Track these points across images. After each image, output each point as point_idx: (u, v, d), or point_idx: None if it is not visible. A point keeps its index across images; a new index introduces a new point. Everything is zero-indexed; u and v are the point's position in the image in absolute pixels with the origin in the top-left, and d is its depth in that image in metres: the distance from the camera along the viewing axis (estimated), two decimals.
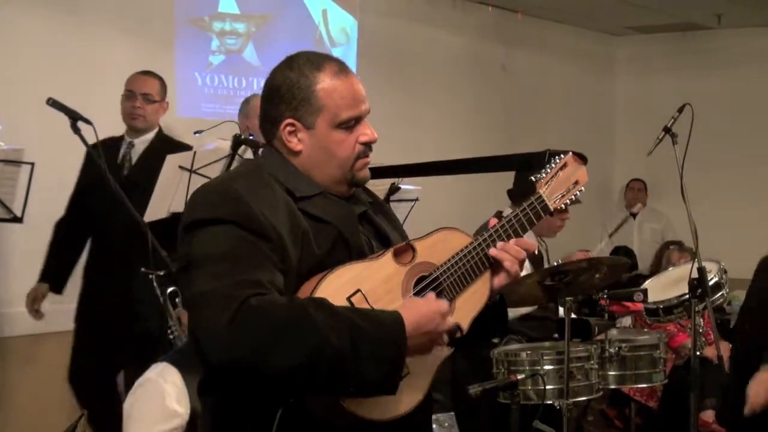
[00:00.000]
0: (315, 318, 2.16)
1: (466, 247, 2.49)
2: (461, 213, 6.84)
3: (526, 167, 2.76)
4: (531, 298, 4.84)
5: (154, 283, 5.07)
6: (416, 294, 2.41)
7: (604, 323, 5.54)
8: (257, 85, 7.28)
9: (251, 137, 5.31)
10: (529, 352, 4.78)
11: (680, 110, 5.35)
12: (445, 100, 8.84)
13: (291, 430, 2.27)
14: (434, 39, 8.83)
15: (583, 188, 2.69)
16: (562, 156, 2.69)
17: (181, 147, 5.58)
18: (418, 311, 2.30)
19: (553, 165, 2.67)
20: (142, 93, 5.62)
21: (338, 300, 2.25)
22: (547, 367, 4.67)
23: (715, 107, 9.29)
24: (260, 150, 5.05)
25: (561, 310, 4.97)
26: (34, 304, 5.53)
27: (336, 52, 7.82)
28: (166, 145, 5.62)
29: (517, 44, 9.65)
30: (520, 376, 4.45)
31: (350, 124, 2.45)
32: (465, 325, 2.45)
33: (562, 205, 2.67)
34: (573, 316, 4.75)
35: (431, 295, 2.39)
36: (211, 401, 2.42)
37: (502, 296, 2.65)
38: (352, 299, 2.29)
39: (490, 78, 9.40)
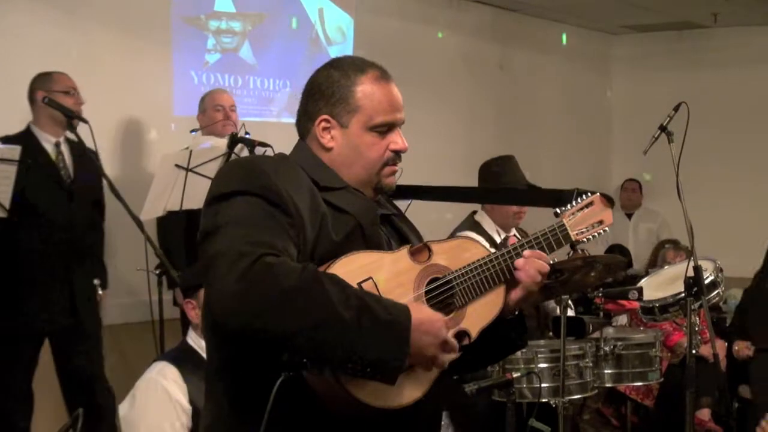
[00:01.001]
0: (326, 287, 2.18)
1: (484, 257, 2.50)
2: (454, 218, 6.85)
3: (552, 203, 2.77)
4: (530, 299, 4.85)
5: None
6: (428, 292, 2.41)
7: (599, 321, 5.56)
8: (253, 84, 7.29)
9: (247, 135, 5.32)
10: (523, 350, 4.78)
11: (676, 109, 5.35)
12: (442, 98, 8.84)
13: (292, 411, 2.28)
14: (431, 38, 8.83)
15: (607, 229, 2.71)
16: (589, 194, 2.70)
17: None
18: (424, 312, 2.31)
19: (580, 200, 2.69)
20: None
21: (350, 282, 2.26)
22: (541, 366, 4.68)
23: (711, 106, 9.29)
24: (256, 149, 5.08)
25: (557, 308, 4.98)
26: None
27: (332, 51, 7.82)
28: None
29: (514, 43, 9.66)
30: (515, 375, 4.46)
31: (383, 130, 2.50)
32: (474, 332, 2.45)
33: (584, 240, 2.67)
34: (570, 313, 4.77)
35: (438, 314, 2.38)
36: (222, 387, 2.43)
37: (521, 311, 2.64)
38: (363, 285, 2.29)
39: (486, 77, 9.40)
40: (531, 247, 2.55)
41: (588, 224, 2.68)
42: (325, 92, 2.49)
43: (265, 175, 2.35)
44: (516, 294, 2.54)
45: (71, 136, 5.39)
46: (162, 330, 5.30)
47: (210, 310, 2.30)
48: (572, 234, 2.65)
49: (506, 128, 9.44)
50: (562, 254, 5.69)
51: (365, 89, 2.48)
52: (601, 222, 2.70)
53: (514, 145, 9.27)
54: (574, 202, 2.68)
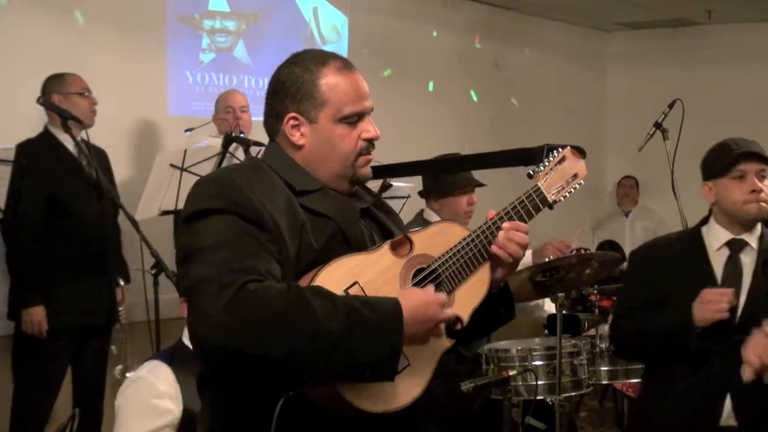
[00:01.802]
0: (312, 303, 2.17)
1: (465, 239, 2.49)
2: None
3: (522, 162, 2.74)
4: (522, 295, 4.85)
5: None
6: (414, 285, 2.40)
7: (594, 318, 5.57)
8: (248, 83, 7.28)
9: (242, 134, 5.33)
10: (519, 348, 4.79)
11: (671, 106, 5.37)
12: (437, 97, 8.84)
13: (292, 422, 2.26)
14: (425, 36, 8.83)
15: (582, 182, 2.68)
16: (560, 150, 2.68)
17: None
18: (416, 299, 2.30)
19: (551, 159, 2.66)
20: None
21: (336, 290, 2.26)
22: (536, 363, 4.68)
23: (706, 103, 9.30)
24: (250, 147, 5.08)
25: (553, 306, 4.98)
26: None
27: (327, 50, 7.81)
28: None
29: (508, 41, 9.66)
30: (511, 372, 4.46)
31: (353, 120, 2.47)
32: (465, 316, 2.45)
33: (561, 198, 2.65)
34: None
35: (430, 287, 2.38)
36: (211, 396, 2.42)
37: (506, 284, 2.64)
38: (350, 291, 2.29)
39: (481, 75, 9.40)
40: (509, 218, 2.53)
41: (563, 181, 2.65)
42: (289, 89, 2.46)
43: (239, 190, 2.31)
44: (501, 271, 2.55)
45: (83, 136, 5.45)
46: (158, 330, 5.30)
47: (196, 340, 2.24)
48: (549, 196, 2.62)
49: (501, 125, 9.45)
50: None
51: (329, 81, 2.45)
52: (575, 176, 2.68)
53: (508, 142, 9.25)
54: (546, 161, 2.65)
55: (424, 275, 2.43)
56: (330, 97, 2.44)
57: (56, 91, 5.47)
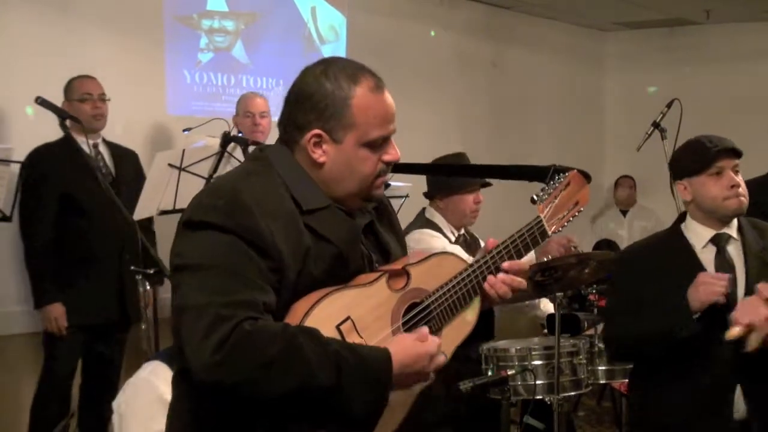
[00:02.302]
0: (305, 352, 2.16)
1: (460, 273, 2.48)
2: None
3: (528, 179, 2.76)
4: (520, 294, 4.85)
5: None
6: (405, 322, 2.40)
7: (593, 318, 5.56)
8: (246, 83, 7.28)
9: (240, 134, 5.33)
10: (518, 347, 4.79)
11: (669, 105, 5.37)
12: (435, 96, 8.83)
13: None
14: (424, 36, 8.83)
15: (582, 209, 2.68)
16: (566, 174, 2.67)
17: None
18: (408, 352, 2.30)
19: (557, 184, 2.65)
20: (99, 93, 5.72)
21: (328, 327, 2.25)
22: (535, 363, 4.68)
23: (703, 102, 9.30)
24: (249, 147, 5.07)
25: (551, 306, 4.98)
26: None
27: (325, 50, 7.82)
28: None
29: (507, 40, 9.65)
30: (510, 372, 4.46)
31: (378, 143, 2.40)
32: (449, 352, 2.45)
33: (560, 228, 2.66)
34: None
35: (425, 330, 2.37)
36: (186, 388, 2.38)
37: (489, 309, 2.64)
38: (342, 327, 2.28)
39: (479, 74, 9.40)
40: (508, 252, 2.52)
41: (565, 209, 2.65)
42: (317, 105, 2.36)
43: (248, 210, 2.25)
44: (490, 302, 2.55)
45: (110, 137, 5.73)
46: (156, 331, 5.30)
47: (187, 365, 2.21)
48: (548, 227, 2.63)
49: (499, 125, 9.45)
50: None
51: (360, 103, 2.36)
52: (576, 203, 2.68)
53: (507, 142, 9.29)
54: (551, 186, 2.64)
55: (415, 312, 2.43)
56: (359, 121, 2.36)
57: (65, 98, 5.64)
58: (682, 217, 3.88)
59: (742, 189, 3.73)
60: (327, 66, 2.41)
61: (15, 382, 5.88)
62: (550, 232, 2.62)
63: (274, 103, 7.49)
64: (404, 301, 2.42)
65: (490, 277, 2.50)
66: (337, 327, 2.28)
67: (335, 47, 7.87)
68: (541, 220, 2.60)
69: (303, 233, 2.32)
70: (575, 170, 2.70)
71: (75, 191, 5.51)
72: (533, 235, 2.58)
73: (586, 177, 2.69)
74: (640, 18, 10.11)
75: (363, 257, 2.45)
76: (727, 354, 3.53)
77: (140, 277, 5.13)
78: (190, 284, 2.21)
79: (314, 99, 2.37)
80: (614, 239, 9.44)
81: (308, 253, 2.30)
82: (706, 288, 3.54)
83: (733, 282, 3.63)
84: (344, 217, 2.43)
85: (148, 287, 5.53)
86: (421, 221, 5.16)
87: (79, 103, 5.61)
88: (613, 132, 10.84)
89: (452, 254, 2.59)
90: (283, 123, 2.46)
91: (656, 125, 5.35)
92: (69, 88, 5.68)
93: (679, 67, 10.30)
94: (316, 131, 2.37)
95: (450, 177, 5.12)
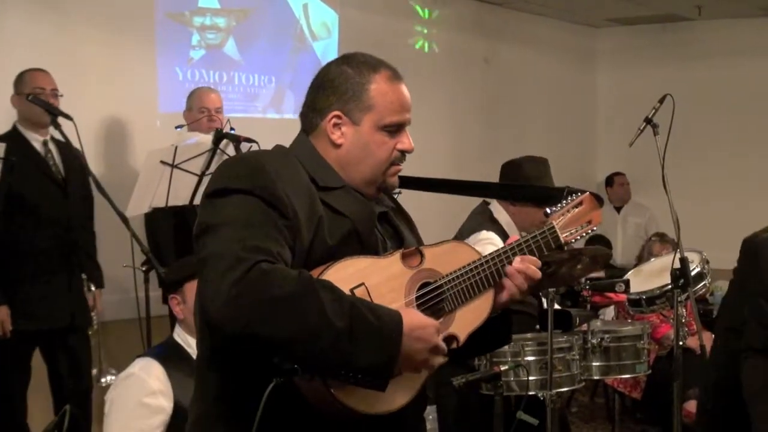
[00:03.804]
0: (320, 295, 2.20)
1: (474, 262, 2.52)
2: (444, 209, 6.86)
3: (543, 200, 2.81)
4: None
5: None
6: (418, 297, 2.43)
7: (586, 314, 5.56)
8: (238, 80, 7.27)
9: (233, 130, 5.31)
10: (511, 343, 4.78)
11: (661, 101, 5.36)
12: (427, 93, 8.83)
13: (280, 413, 2.29)
14: (416, 32, 8.82)
15: (595, 228, 2.74)
16: (579, 194, 2.73)
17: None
18: (419, 318, 2.33)
19: (569, 201, 2.71)
20: (52, 89, 5.46)
21: (342, 288, 2.28)
22: (528, 358, 4.68)
23: (695, 98, 9.33)
24: (241, 144, 5.07)
25: (544, 302, 4.98)
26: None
27: (317, 47, 7.81)
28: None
29: (499, 37, 9.66)
30: (503, 368, 4.46)
31: (393, 129, 2.51)
32: (462, 336, 2.47)
33: (573, 240, 2.71)
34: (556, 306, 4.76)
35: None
36: (209, 377, 2.43)
37: (507, 310, 2.66)
38: (356, 291, 2.31)
39: (472, 71, 9.40)
40: (521, 251, 2.57)
41: (577, 225, 2.71)
42: (338, 88, 2.49)
43: (267, 175, 2.34)
44: (503, 297, 2.57)
45: (57, 135, 5.38)
46: (149, 327, 5.29)
47: (203, 311, 2.29)
48: (561, 236, 2.68)
49: (492, 122, 9.45)
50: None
51: (379, 88, 2.50)
52: (589, 222, 2.74)
53: (498, 138, 9.29)
54: (564, 202, 2.70)
55: (429, 289, 2.46)
56: (377, 103, 2.49)
57: (15, 91, 5.45)
58: None
59: None
60: (349, 57, 2.57)
61: None
62: (562, 241, 2.68)
63: (266, 99, 7.49)
64: (417, 279, 2.45)
65: (509, 267, 2.54)
66: (351, 290, 2.31)
67: (327, 44, 7.87)
68: (553, 227, 2.66)
69: (317, 204, 2.39)
70: (588, 192, 2.78)
71: (22, 189, 5.26)
72: (546, 240, 2.63)
73: (599, 200, 2.76)
74: (632, 14, 10.12)
75: (377, 239, 2.50)
76: None
77: (85, 277, 5.07)
78: (210, 239, 2.28)
79: (335, 83, 2.50)
80: (608, 236, 9.44)
81: (321, 222, 2.37)
82: None
83: None
84: (360, 198, 2.51)
85: (93, 288, 5.49)
86: (485, 219, 4.89)
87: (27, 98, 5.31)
88: (605, 128, 10.86)
89: (467, 244, 2.63)
90: (304, 112, 2.56)
91: (648, 121, 5.33)
92: (20, 81, 5.45)
93: (671, 63, 10.31)
94: (336, 112, 2.48)
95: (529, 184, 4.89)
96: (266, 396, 2.23)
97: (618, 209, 10.08)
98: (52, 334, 5.47)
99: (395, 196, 4.76)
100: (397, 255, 2.44)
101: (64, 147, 5.50)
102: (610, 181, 10.16)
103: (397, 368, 2.29)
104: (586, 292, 5.90)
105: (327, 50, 7.83)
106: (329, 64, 2.56)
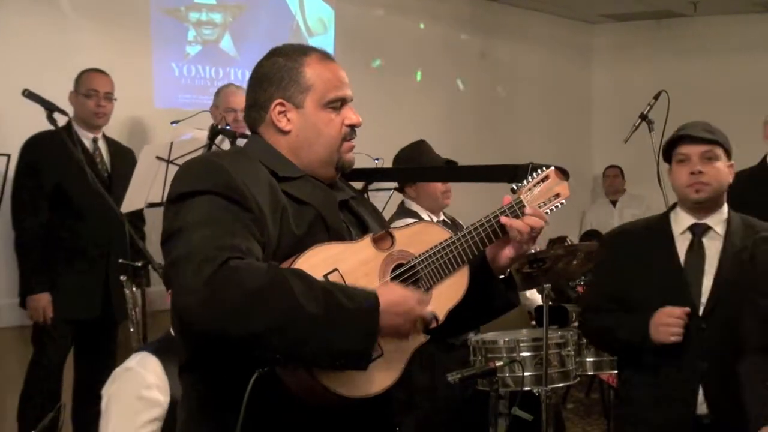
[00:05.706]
0: (291, 284, 2.20)
1: (445, 240, 2.52)
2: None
3: (507, 178, 2.78)
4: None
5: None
6: (393, 279, 2.43)
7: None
8: (234, 75, 7.27)
9: (228, 127, 5.32)
10: (506, 339, 4.80)
11: (656, 97, 5.38)
12: (423, 88, 8.84)
13: (264, 405, 2.30)
14: (412, 27, 8.82)
15: (564, 201, 2.71)
16: (544, 169, 2.71)
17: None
18: (396, 291, 2.34)
19: (534, 176, 2.69)
20: (105, 92, 5.75)
21: (316, 275, 2.28)
22: (523, 354, 4.69)
23: (691, 94, 9.31)
24: (237, 140, 5.07)
25: (539, 297, 5.00)
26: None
27: (313, 42, 7.80)
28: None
29: (495, 32, 9.66)
30: (498, 363, 4.47)
31: (336, 105, 2.54)
32: (441, 315, 2.47)
33: (546, 212, 2.68)
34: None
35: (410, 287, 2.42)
36: (192, 380, 2.44)
37: (510, 272, 2.68)
38: (329, 277, 2.32)
39: (467, 66, 9.40)
40: (490, 225, 2.56)
41: (545, 198, 2.68)
42: (274, 78, 2.52)
43: (223, 171, 2.35)
44: (504, 256, 2.59)
45: (111, 134, 5.79)
46: (145, 322, 5.29)
47: (177, 315, 2.30)
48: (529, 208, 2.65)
49: (488, 117, 9.46)
50: (542, 243, 5.70)
51: (314, 68, 2.52)
52: (557, 195, 2.71)
53: (495, 133, 9.31)
54: (529, 177, 2.69)
55: (403, 270, 2.46)
56: (315, 83, 2.51)
57: (74, 88, 5.72)
58: (675, 204, 3.87)
59: (706, 177, 3.68)
60: (277, 49, 2.59)
61: (2, 376, 5.86)
62: (527, 209, 2.63)
63: None
64: (390, 261, 2.46)
65: (504, 218, 2.55)
66: (325, 276, 2.31)
67: (323, 39, 7.86)
68: (521, 200, 2.62)
69: (279, 195, 2.40)
70: (553, 166, 2.74)
71: (66, 184, 5.52)
72: (515, 214, 2.59)
73: (564, 173, 2.73)
74: (628, 10, 10.13)
75: (343, 227, 2.50)
76: (688, 351, 3.59)
77: (125, 278, 5.14)
78: (177, 243, 2.27)
79: (271, 75, 2.54)
80: (605, 229, 9.45)
81: (285, 213, 2.38)
82: (665, 329, 3.58)
83: (699, 277, 3.65)
84: (320, 185, 2.52)
85: (135, 288, 5.54)
86: (401, 212, 5.17)
87: (84, 97, 5.68)
88: (600, 124, 10.86)
89: (436, 224, 2.64)
90: (247, 113, 2.59)
91: (643, 117, 5.36)
92: (78, 80, 5.75)
93: (667, 59, 10.31)
94: (278, 100, 2.52)
95: (413, 165, 5.13)
96: (250, 387, 2.23)
97: (614, 203, 10.09)
98: (83, 325, 5.69)
99: (390, 194, 4.74)
100: (368, 239, 2.45)
101: (114, 145, 5.87)
102: (604, 174, 10.20)
103: (378, 347, 2.29)
104: (581, 288, 5.91)
105: (323, 46, 7.73)
106: (260, 62, 2.59)
